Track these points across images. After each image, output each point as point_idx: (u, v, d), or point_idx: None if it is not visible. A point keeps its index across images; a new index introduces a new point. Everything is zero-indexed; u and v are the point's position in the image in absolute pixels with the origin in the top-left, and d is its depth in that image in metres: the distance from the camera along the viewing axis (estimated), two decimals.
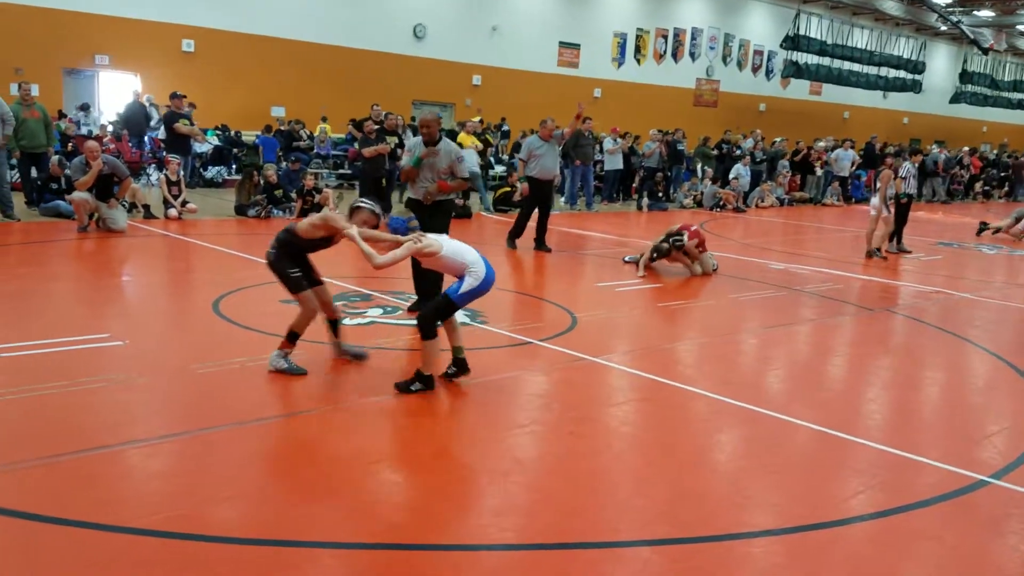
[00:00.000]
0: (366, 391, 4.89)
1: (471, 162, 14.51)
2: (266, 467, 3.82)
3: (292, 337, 4.99)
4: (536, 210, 10.70)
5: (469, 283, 4.86)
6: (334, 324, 5.33)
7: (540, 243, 10.63)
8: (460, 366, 5.06)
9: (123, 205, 10.70)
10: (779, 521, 3.57)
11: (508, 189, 15.57)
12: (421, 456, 4.05)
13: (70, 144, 14.69)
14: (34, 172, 11.68)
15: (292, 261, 5.00)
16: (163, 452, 3.88)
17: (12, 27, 17.12)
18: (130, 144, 16.10)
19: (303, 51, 20.94)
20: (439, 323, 4.95)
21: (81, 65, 18.64)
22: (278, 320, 6.19)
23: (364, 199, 5.17)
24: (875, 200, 11.85)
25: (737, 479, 3.98)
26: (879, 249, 11.86)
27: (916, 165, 12.96)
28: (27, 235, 9.67)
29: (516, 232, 10.71)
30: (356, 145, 13.44)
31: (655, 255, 9.42)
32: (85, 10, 17.93)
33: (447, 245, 4.98)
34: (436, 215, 6.72)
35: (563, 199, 16.55)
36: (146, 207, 11.63)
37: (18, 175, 11.99)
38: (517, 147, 17.53)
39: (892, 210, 11.94)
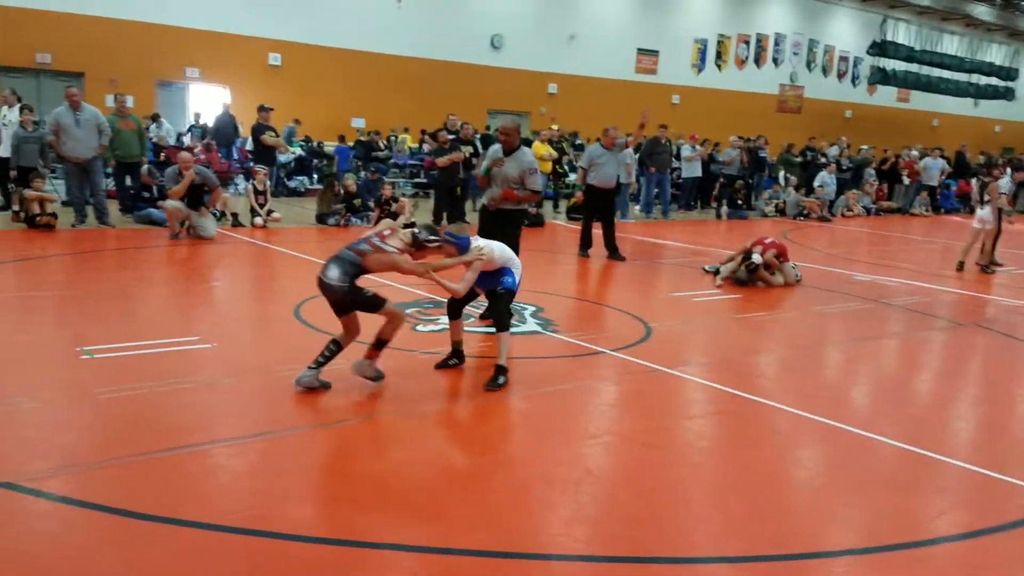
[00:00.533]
0: (439, 398, 4.95)
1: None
2: (341, 469, 3.90)
3: (379, 345, 4.97)
4: (599, 220, 10.61)
5: (516, 273, 5.32)
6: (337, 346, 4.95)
7: (612, 252, 10.53)
8: (459, 356, 5.45)
9: (213, 213, 11.10)
10: (861, 540, 3.46)
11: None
12: (493, 463, 4.07)
13: (162, 154, 15.34)
14: (128, 181, 12.21)
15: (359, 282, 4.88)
16: (246, 452, 4.01)
17: (108, 40, 18.00)
18: (219, 154, 16.70)
19: (383, 63, 21.39)
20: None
21: (173, 77, 19.45)
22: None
23: (420, 229, 4.96)
24: (982, 212, 11.29)
25: (817, 496, 3.88)
26: (991, 263, 11.38)
27: (1016, 183, 12.39)
28: (122, 241, 10.13)
29: (585, 242, 10.65)
30: (431, 154, 13.62)
31: (736, 280, 9.19)
32: (177, 24, 18.73)
33: (492, 246, 5.26)
34: (507, 225, 6.75)
35: (639, 207, 16.42)
36: (234, 215, 12.04)
37: (113, 183, 12.56)
38: None
39: (999, 222, 11.42)
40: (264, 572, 2.91)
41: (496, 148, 6.91)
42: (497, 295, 5.34)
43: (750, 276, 9.10)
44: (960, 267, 11.26)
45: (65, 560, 2.89)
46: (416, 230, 4.92)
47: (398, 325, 5.01)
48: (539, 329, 6.69)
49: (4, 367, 4.99)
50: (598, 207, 10.52)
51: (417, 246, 4.86)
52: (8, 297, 7.05)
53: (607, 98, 24.56)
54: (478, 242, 5.21)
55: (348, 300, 4.80)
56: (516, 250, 6.69)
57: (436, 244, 4.94)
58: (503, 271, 5.27)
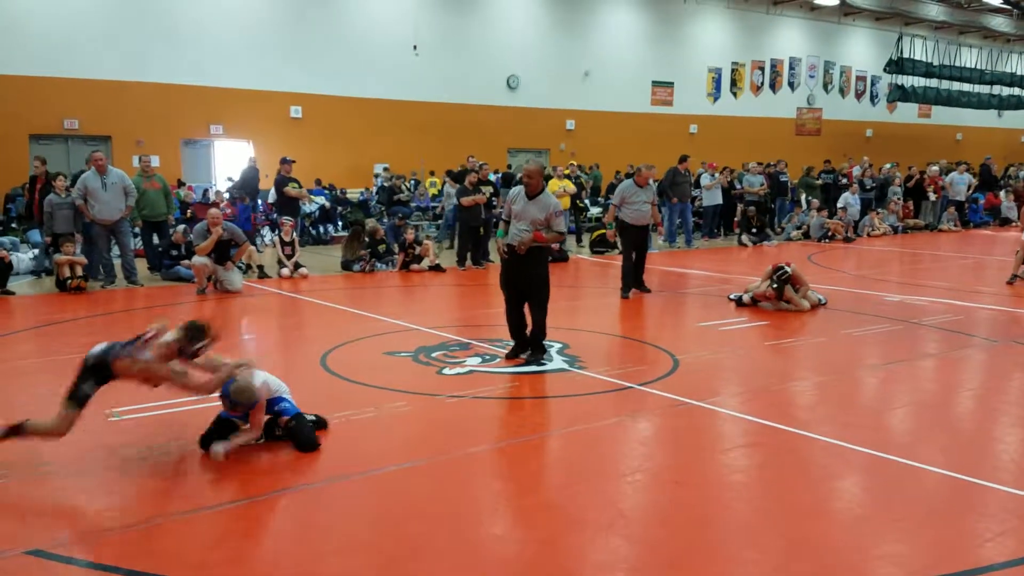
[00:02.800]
0: (467, 441, 4.91)
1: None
2: (372, 520, 3.86)
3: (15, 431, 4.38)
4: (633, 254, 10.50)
5: (288, 396, 4.90)
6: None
7: (638, 284, 10.48)
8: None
9: (239, 267, 11.23)
10: (903, 573, 3.35)
11: (603, 232, 15.54)
12: (524, 507, 4.02)
13: (189, 211, 15.59)
14: (155, 239, 12.41)
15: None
16: (281, 507, 3.99)
17: (133, 103, 18.47)
18: (250, 205, 16.91)
19: (403, 109, 21.72)
20: None
21: (197, 135, 19.88)
22: (381, 373, 6.34)
23: (188, 333, 4.62)
24: None
25: (857, 528, 3.77)
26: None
27: None
28: (151, 299, 10.28)
29: (626, 283, 10.31)
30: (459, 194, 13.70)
31: (769, 300, 9.12)
32: (200, 83, 19.18)
33: (259, 376, 4.81)
34: (534, 264, 6.74)
35: (662, 238, 16.37)
36: (260, 267, 12.18)
37: (141, 242, 12.78)
38: (612, 188, 17.53)
39: None
40: None
41: (518, 190, 6.91)
42: (288, 429, 4.80)
43: (781, 287, 8.97)
44: (1013, 280, 11.09)
45: None
46: (182, 337, 4.56)
47: (52, 434, 4.43)
48: (566, 367, 6.65)
49: None
50: (633, 243, 10.40)
51: (182, 353, 4.55)
52: (40, 362, 7.15)
53: (625, 131, 24.70)
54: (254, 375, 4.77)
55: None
56: (547, 284, 6.85)
57: (200, 349, 4.61)
58: (277, 399, 4.84)
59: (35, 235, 13.82)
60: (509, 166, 23.32)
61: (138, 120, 18.49)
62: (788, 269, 9.09)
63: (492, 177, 16.43)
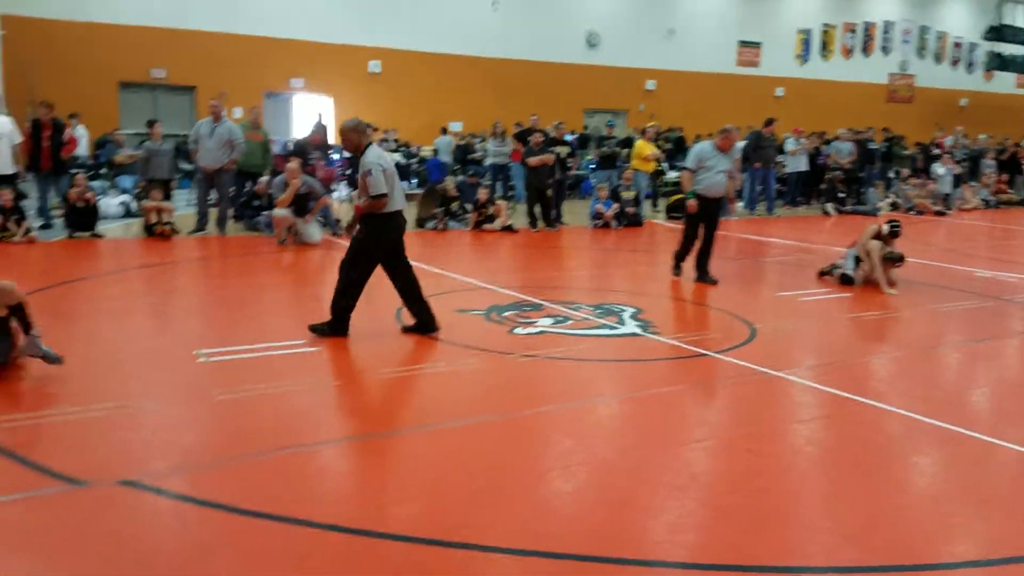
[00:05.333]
0: (539, 401, 4.94)
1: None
2: (443, 471, 3.93)
3: None
4: (700, 231, 8.84)
5: None
6: None
7: (702, 274, 8.82)
8: None
9: (318, 220, 11.44)
10: (983, 551, 3.26)
11: (682, 196, 15.24)
12: (595, 466, 4.02)
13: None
14: (246, 188, 12.67)
15: None
16: (352, 452, 4.11)
17: (219, 54, 18.84)
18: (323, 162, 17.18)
19: (479, 66, 21.63)
20: None
21: (279, 88, 20.19)
22: (453, 329, 6.40)
23: None
24: None
25: (936, 505, 3.67)
26: None
27: None
28: (233, 248, 10.58)
29: (681, 254, 9.04)
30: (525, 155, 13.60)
31: (844, 279, 8.67)
32: (283, 36, 19.43)
33: None
34: None
35: (742, 203, 16.00)
36: (337, 222, 12.38)
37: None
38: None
39: None
40: (371, 572, 2.97)
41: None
42: None
43: (886, 241, 8.56)
44: None
45: (184, 556, 3.02)
46: None
47: None
48: (639, 331, 6.60)
49: (127, 370, 5.27)
50: (701, 218, 8.76)
51: None
52: (130, 304, 7.45)
53: (707, 93, 24.09)
54: None
55: None
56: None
57: None
58: None
59: (124, 181, 14.34)
60: (585, 127, 23.04)
61: (223, 71, 18.86)
62: (901, 254, 8.52)
63: (568, 138, 16.24)
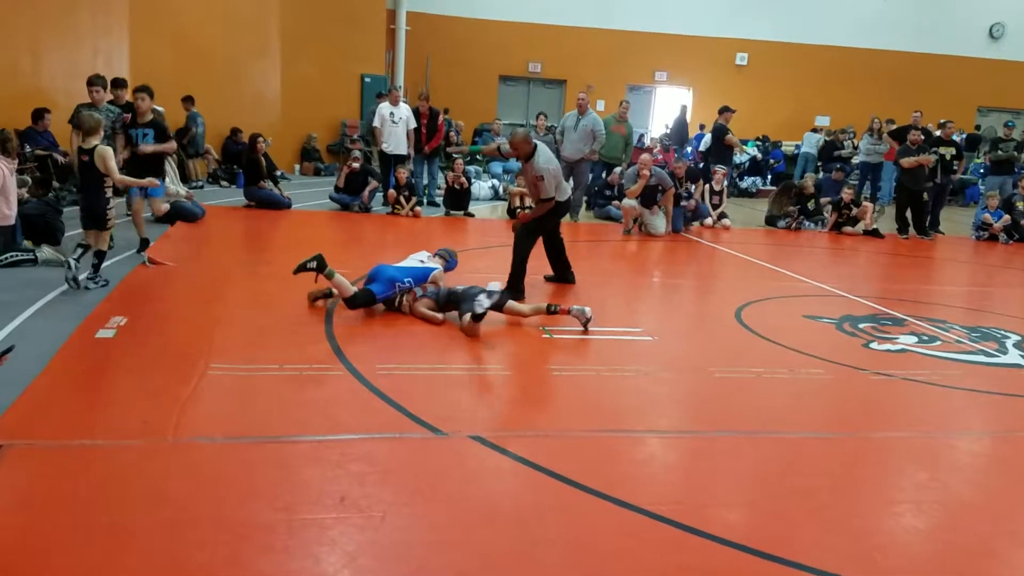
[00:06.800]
0: (887, 423, 4.48)
1: None
2: (774, 482, 3.74)
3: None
4: None
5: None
6: None
7: None
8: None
9: (662, 212, 11.50)
10: None
11: None
12: (953, 507, 3.55)
13: None
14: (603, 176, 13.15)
15: None
16: (679, 445, 4.08)
17: (588, 48, 19.74)
18: (676, 154, 17.26)
19: (854, 58, 20.16)
20: None
21: (642, 81, 20.62)
22: (799, 336, 6.06)
23: None
24: None
25: None
26: None
27: None
28: (582, 235, 11.06)
29: None
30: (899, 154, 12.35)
31: None
32: (650, 30, 19.79)
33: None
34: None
35: None
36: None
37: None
38: None
39: None
40: (687, 569, 2.93)
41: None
42: None
43: None
44: None
45: (521, 514, 3.23)
46: None
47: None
48: (1023, 363, 5.69)
49: (487, 340, 5.74)
50: None
51: None
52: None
53: None
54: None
55: None
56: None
57: None
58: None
59: (495, 167, 15.69)
60: (977, 127, 20.44)
61: (591, 65, 19.75)
62: None
63: (956, 138, 14.49)
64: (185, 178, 12.69)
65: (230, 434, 3.75)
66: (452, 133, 14.87)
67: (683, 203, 11.55)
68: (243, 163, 11.91)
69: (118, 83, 8.77)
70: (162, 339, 5.12)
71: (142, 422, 3.81)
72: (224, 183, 13.95)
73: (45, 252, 7.06)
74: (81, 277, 6.17)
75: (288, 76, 15.89)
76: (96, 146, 6.23)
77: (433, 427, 3.95)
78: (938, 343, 6.10)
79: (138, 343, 4.98)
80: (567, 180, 12.09)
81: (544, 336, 5.73)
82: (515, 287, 6.75)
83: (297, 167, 16.68)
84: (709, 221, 12.12)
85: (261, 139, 11.45)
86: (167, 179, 9.27)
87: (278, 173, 12.68)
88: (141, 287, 6.50)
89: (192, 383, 4.32)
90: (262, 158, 11.41)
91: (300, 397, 4.27)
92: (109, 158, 6.24)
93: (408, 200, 11.50)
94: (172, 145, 8.50)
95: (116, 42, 12.09)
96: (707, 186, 12.56)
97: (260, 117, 14.90)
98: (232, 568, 2.72)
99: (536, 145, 6.80)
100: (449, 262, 6.67)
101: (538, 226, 7.02)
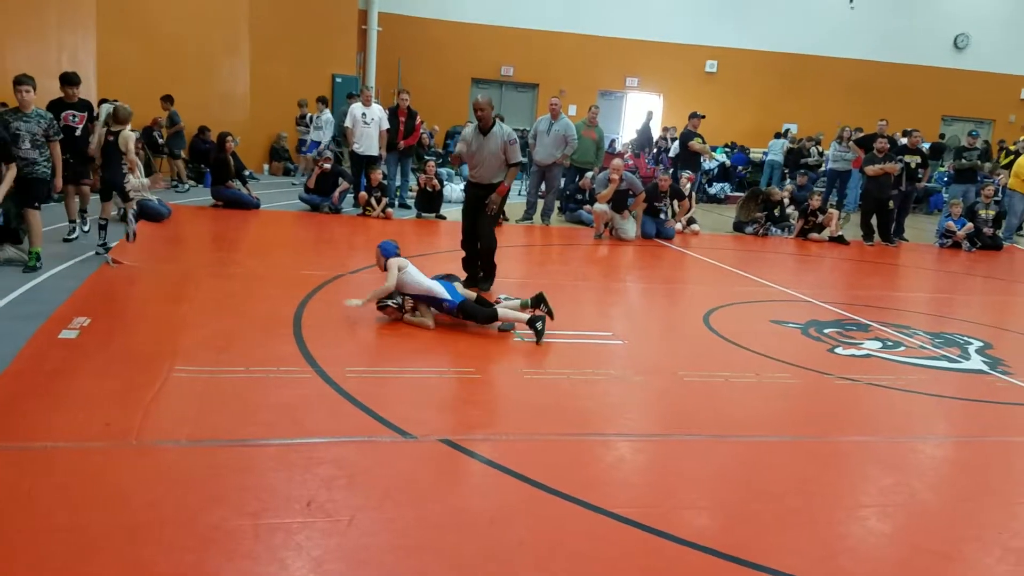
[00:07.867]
0: (851, 428, 4.54)
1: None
2: (742, 483, 3.77)
3: None
4: None
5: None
6: None
7: None
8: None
9: (632, 216, 11.58)
10: None
11: None
12: (918, 511, 3.60)
13: None
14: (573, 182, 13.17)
15: None
16: (648, 449, 4.09)
17: (560, 53, 19.82)
18: (647, 161, 17.40)
19: (822, 66, 20.45)
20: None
21: (613, 87, 20.73)
22: (766, 340, 6.12)
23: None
24: None
25: None
26: None
27: None
28: (552, 238, 11.08)
29: None
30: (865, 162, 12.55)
31: None
32: (621, 36, 19.91)
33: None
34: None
35: None
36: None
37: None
38: None
39: None
40: (655, 571, 2.94)
41: (470, 129, 7.19)
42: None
43: None
44: None
45: (489, 515, 3.22)
46: None
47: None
48: (986, 368, 5.80)
49: (457, 343, 5.73)
50: None
51: None
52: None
53: None
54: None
55: None
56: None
57: None
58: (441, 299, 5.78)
59: (466, 169, 15.62)
60: (941, 135, 20.84)
61: (564, 69, 19.82)
62: None
63: (924, 147, 14.77)
64: (150, 174, 12.50)
65: (195, 437, 3.70)
66: (425, 136, 14.83)
67: (662, 216, 11.58)
68: (211, 162, 11.77)
69: (69, 79, 8.21)
70: (126, 340, 5.04)
71: (105, 424, 3.74)
72: (191, 182, 13.78)
73: (8, 251, 6.92)
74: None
75: (258, 75, 15.74)
76: (121, 131, 7.51)
77: (402, 430, 3.93)
78: (902, 348, 6.20)
79: (101, 344, 4.89)
80: (539, 185, 12.18)
81: (515, 339, 5.73)
82: (491, 277, 7.28)
83: (266, 167, 16.53)
84: (678, 226, 12.18)
85: (230, 138, 11.33)
86: (132, 173, 9.09)
87: (247, 173, 12.55)
88: (105, 287, 6.40)
89: (157, 385, 4.25)
90: (231, 157, 11.29)
91: (267, 400, 4.22)
92: (130, 140, 7.58)
93: (379, 202, 11.45)
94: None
95: (82, 38, 11.90)
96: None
97: (229, 116, 14.75)
98: (197, 573, 2.68)
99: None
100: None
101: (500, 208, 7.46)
